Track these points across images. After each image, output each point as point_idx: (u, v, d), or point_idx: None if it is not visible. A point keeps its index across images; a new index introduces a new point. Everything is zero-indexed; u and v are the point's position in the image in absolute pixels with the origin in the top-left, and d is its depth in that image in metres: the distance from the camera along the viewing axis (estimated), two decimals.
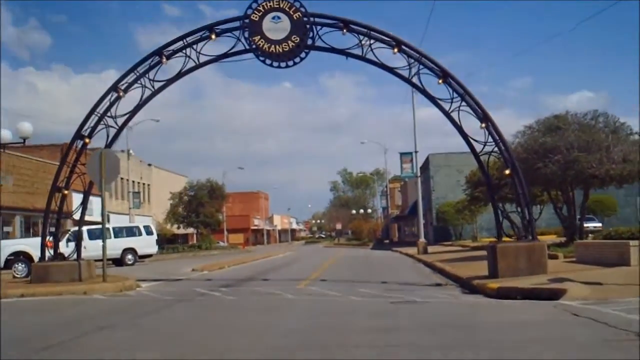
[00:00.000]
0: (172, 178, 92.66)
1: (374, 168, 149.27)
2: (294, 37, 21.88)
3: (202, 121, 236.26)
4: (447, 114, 21.69)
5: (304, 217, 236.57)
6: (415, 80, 22.00)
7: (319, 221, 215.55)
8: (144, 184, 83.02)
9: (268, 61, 22.43)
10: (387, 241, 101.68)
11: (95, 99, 22.62)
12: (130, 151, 71.10)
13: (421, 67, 21.91)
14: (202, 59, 22.46)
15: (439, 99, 21.85)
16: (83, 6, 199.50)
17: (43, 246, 22.79)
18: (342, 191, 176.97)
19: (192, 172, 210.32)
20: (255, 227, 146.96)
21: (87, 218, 24.40)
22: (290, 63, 22.54)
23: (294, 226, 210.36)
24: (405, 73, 22.10)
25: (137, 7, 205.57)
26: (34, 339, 11.28)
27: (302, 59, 22.50)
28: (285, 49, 21.92)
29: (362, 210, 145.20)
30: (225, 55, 22.60)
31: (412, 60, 21.95)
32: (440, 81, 21.75)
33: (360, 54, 22.21)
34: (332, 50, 22.49)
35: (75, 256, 22.97)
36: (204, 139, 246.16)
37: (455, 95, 21.62)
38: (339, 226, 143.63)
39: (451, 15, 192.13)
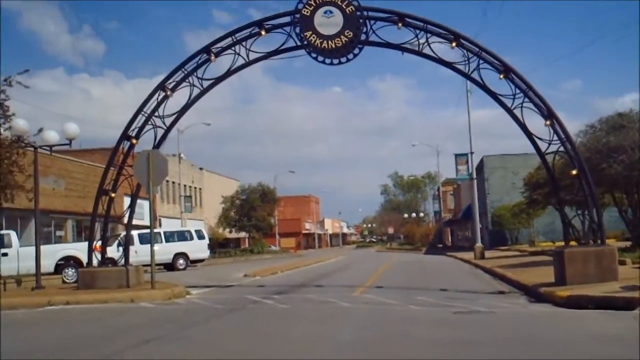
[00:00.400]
0: (223, 182, 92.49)
1: (424, 171, 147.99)
2: (347, 32, 20.97)
3: (253, 125, 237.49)
4: (510, 111, 20.61)
5: (355, 221, 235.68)
6: (474, 75, 20.95)
7: (369, 225, 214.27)
8: (195, 187, 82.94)
9: (320, 58, 21.60)
10: (440, 245, 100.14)
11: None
12: (182, 155, 71.02)
13: (481, 61, 20.84)
14: (252, 56, 21.65)
15: (500, 95, 20.78)
16: (135, 13, 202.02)
17: (90, 251, 22.22)
18: (393, 195, 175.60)
19: (243, 176, 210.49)
20: (307, 231, 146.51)
21: (138, 222, 23.89)
22: (343, 59, 21.68)
23: (345, 230, 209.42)
24: (463, 68, 21.11)
25: (187, 13, 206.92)
26: (72, 353, 10.56)
27: (355, 56, 21.64)
28: (338, 45, 21.02)
29: (414, 214, 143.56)
30: (276, 52, 21.78)
31: (471, 55, 20.88)
32: (501, 76, 20.68)
33: (417, 49, 21.26)
34: (387, 45, 21.57)
35: (122, 261, 22.37)
36: (254, 143, 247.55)
37: (517, 91, 20.53)
38: (390, 230, 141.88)
39: (501, 19, 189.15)
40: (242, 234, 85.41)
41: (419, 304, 16.33)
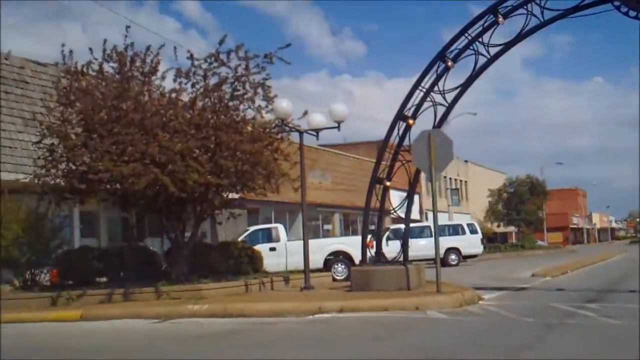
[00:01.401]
0: (488, 175, 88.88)
1: None
2: None
3: (514, 119, 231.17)
4: None
5: (622, 215, 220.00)
6: None
7: None
8: (461, 180, 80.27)
9: (632, 12, 17.58)
10: None
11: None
12: None
13: None
14: (548, 15, 18.09)
15: None
16: (393, 13, 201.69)
17: (364, 247, 19.81)
18: None
19: (506, 169, 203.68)
20: (574, 226, 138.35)
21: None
22: None
23: (613, 225, 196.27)
24: None
25: (444, 9, 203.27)
26: None
27: None
28: None
29: None
30: (577, 8, 18.03)
31: None
32: None
33: None
34: None
35: (400, 258, 19.67)
36: (516, 136, 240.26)
37: None
38: None
39: None
40: (510, 228, 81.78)
41: None
